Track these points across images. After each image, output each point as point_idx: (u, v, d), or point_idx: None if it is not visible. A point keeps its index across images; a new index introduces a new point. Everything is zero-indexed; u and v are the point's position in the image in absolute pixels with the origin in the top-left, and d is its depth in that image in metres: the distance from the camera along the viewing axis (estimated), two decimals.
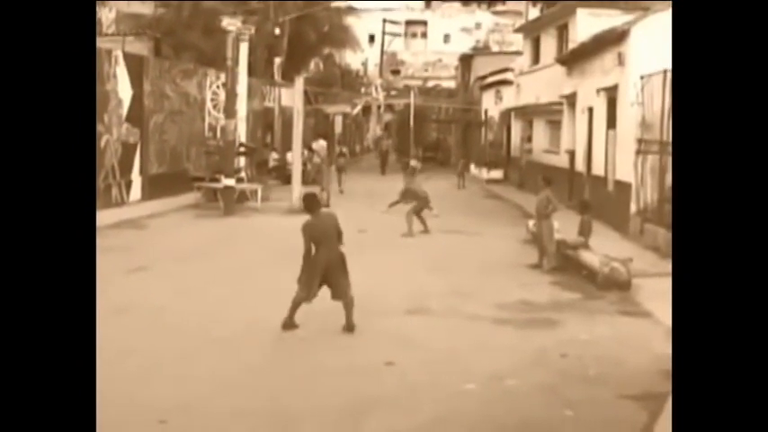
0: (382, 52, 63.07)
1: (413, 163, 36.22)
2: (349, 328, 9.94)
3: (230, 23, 23.98)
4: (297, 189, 23.49)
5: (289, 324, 9.92)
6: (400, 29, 66.93)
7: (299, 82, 25.58)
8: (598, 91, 22.27)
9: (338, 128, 47.98)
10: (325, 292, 9.99)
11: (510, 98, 37.59)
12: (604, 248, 14.56)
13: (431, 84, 64.07)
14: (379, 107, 54.26)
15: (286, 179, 27.48)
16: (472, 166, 41.28)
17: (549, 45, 31.00)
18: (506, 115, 38.70)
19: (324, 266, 9.80)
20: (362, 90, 56.57)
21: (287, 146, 30.63)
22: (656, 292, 12.59)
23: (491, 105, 41.93)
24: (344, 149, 41.37)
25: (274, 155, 33.21)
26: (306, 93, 29.78)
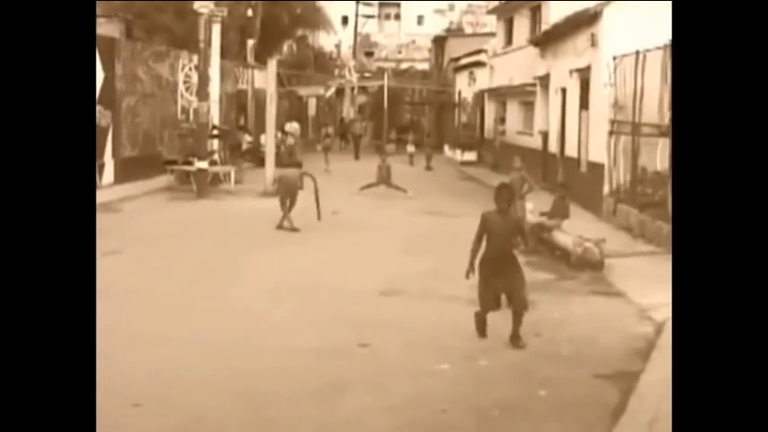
0: (356, 34, 62.73)
1: (409, 149, 36.47)
2: (514, 341, 8.93)
3: (202, 5, 23.79)
4: (270, 171, 23.42)
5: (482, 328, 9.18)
6: (374, 10, 66.60)
7: (272, 64, 25.46)
8: (571, 72, 22.35)
9: (312, 110, 47.80)
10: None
11: (483, 80, 37.63)
12: (578, 229, 14.64)
13: (404, 66, 63.94)
14: (352, 89, 54.02)
15: (259, 162, 27.38)
16: (446, 148, 41.29)
17: (522, 26, 31.05)
18: (480, 97, 38.75)
19: (491, 262, 9.12)
20: (336, 72, 56.27)
21: (260, 128, 30.48)
22: (629, 272, 12.71)
23: (465, 87, 41.96)
24: (329, 130, 41.28)
25: (247, 137, 33.02)
26: (279, 75, 29.64)
